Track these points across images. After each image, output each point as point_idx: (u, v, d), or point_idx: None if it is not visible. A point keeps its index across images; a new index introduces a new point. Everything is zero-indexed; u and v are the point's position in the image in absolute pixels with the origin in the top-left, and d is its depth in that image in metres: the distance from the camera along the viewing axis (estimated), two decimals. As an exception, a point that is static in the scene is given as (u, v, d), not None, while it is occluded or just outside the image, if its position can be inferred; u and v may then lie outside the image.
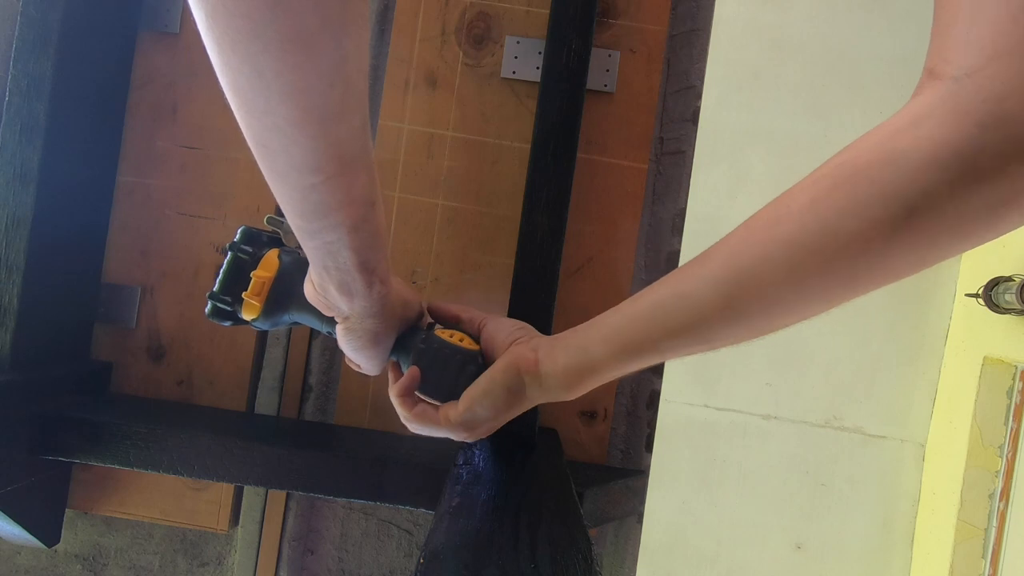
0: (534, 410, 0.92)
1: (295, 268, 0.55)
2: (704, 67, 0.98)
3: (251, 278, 0.54)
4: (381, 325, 0.50)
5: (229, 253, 0.56)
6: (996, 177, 0.29)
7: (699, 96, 1.04)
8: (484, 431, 0.52)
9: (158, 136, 1.05)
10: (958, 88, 0.29)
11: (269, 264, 0.55)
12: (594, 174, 1.05)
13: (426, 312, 0.59)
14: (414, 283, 1.05)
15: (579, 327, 0.48)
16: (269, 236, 0.58)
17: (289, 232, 0.58)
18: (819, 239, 0.33)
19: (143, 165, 1.05)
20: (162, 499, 1.06)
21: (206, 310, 0.55)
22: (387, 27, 1.07)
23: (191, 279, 1.05)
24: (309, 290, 0.48)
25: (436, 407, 0.53)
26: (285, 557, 1.09)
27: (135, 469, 0.90)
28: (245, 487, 1.08)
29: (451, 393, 0.52)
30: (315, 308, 0.51)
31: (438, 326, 0.57)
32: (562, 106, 0.93)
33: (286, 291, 0.54)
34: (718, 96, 0.96)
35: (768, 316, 0.37)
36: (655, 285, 0.42)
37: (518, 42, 1.04)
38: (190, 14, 1.10)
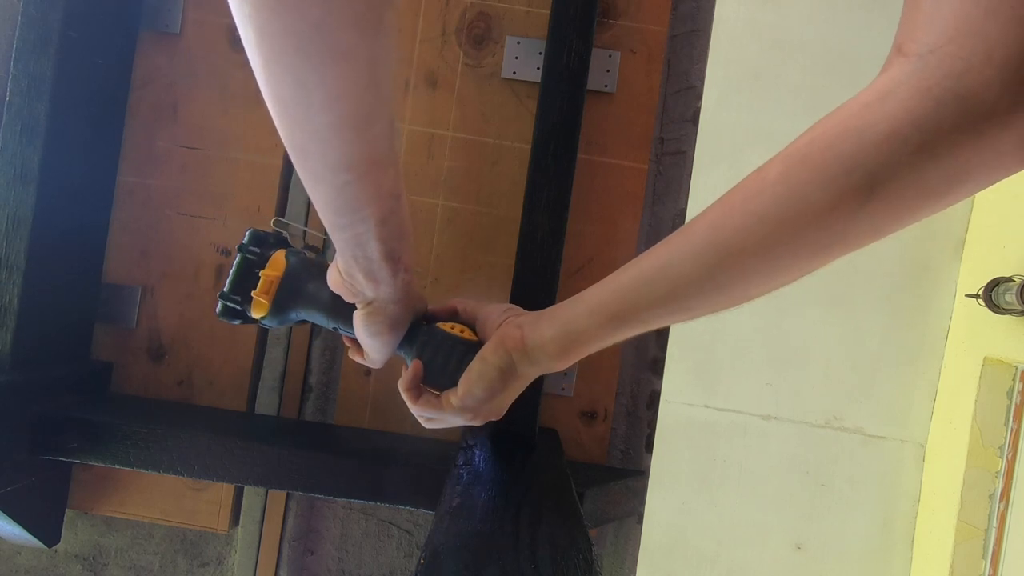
0: (534, 410, 0.92)
1: (301, 268, 0.56)
2: (704, 67, 0.98)
3: (259, 277, 0.57)
4: (402, 311, 0.52)
5: (238, 255, 0.58)
6: (953, 150, 0.31)
7: (699, 96, 1.04)
8: (488, 411, 0.54)
9: (158, 136, 1.05)
10: (922, 65, 0.31)
11: (277, 264, 0.57)
12: (594, 174, 1.05)
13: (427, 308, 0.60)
14: (414, 283, 1.05)
15: (565, 301, 0.50)
16: (276, 237, 0.60)
17: (295, 234, 0.60)
18: (791, 210, 0.35)
19: (143, 165, 1.05)
20: (162, 499, 1.06)
21: (216, 310, 0.57)
22: (387, 27, 1.07)
23: (191, 279, 1.05)
24: (334, 277, 0.50)
25: (439, 395, 0.55)
26: (285, 557, 1.09)
27: (135, 469, 0.90)
28: (245, 487, 1.08)
29: (454, 382, 0.54)
30: (321, 304, 0.53)
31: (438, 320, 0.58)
32: (562, 106, 0.93)
33: (294, 289, 0.56)
34: (718, 96, 0.96)
35: (745, 286, 0.40)
36: (639, 258, 0.44)
37: (518, 42, 1.04)
38: (190, 14, 1.10)
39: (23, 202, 0.89)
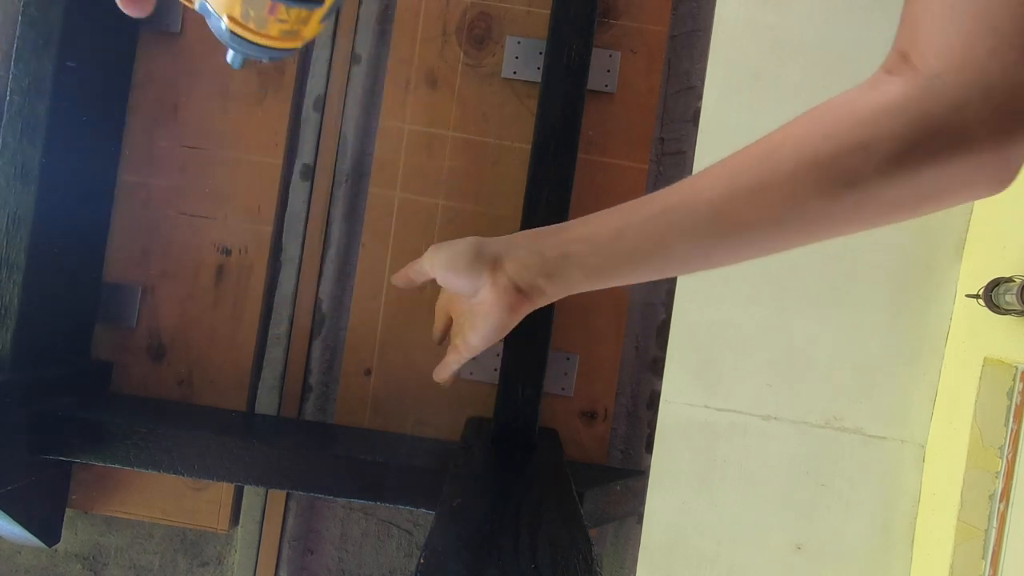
0: (534, 410, 0.92)
1: None
2: (705, 68, 0.98)
3: None
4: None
5: None
6: (937, 174, 0.35)
7: (700, 97, 1.04)
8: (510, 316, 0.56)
9: (159, 136, 1.05)
10: (930, 88, 0.34)
11: None
12: (595, 174, 1.05)
13: None
14: (414, 283, 1.05)
15: (554, 253, 0.50)
16: None
17: None
18: (792, 208, 0.39)
19: (144, 165, 1.05)
20: (162, 499, 1.06)
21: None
22: (388, 27, 1.07)
23: (191, 279, 1.05)
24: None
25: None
26: (285, 557, 1.09)
27: (135, 469, 0.90)
28: (245, 487, 1.08)
29: None
30: None
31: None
32: (563, 106, 0.93)
33: None
34: (719, 97, 0.96)
35: (727, 263, 0.44)
36: (630, 222, 0.46)
37: (519, 42, 1.04)
38: (191, 14, 1.10)
39: (23, 202, 0.89)
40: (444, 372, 0.62)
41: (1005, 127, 0.32)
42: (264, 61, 0.47)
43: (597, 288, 0.49)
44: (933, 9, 0.34)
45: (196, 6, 0.44)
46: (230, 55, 0.46)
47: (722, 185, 0.41)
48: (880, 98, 0.36)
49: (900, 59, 0.36)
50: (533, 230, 0.52)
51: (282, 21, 0.43)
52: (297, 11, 0.42)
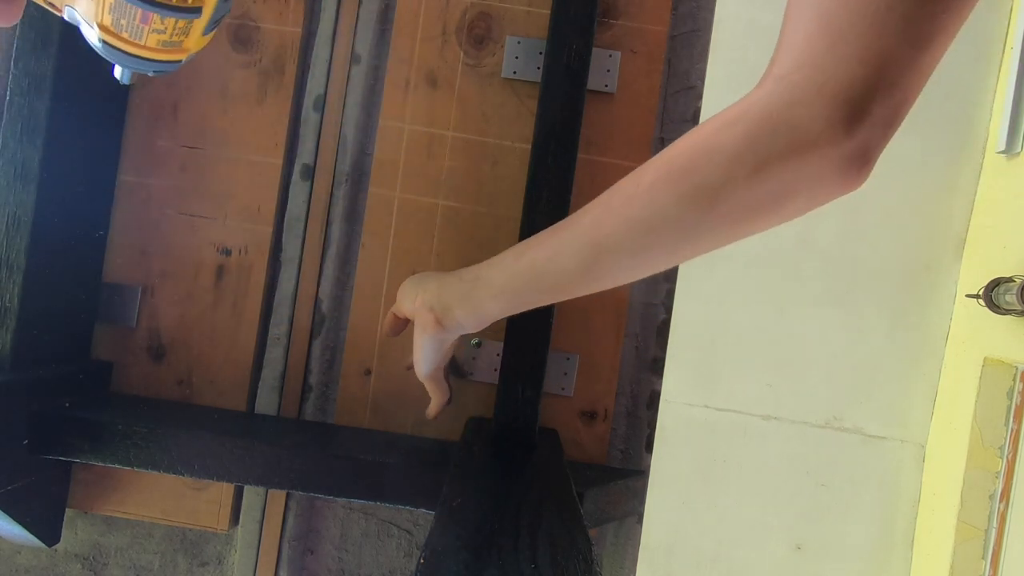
0: (534, 410, 0.92)
1: None
2: (705, 68, 0.98)
3: None
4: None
5: None
6: (780, 174, 0.35)
7: (700, 97, 1.04)
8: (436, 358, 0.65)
9: (159, 135, 1.05)
10: (772, 90, 0.35)
11: None
12: (595, 175, 1.05)
13: None
14: (414, 283, 1.05)
15: (468, 276, 0.55)
16: None
17: None
18: (655, 218, 0.40)
19: (144, 165, 1.05)
20: (162, 499, 1.06)
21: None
22: (387, 27, 1.07)
23: (191, 279, 1.05)
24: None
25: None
26: (285, 557, 1.09)
27: (135, 469, 0.90)
28: (245, 487, 1.08)
29: None
30: None
31: None
32: (563, 106, 0.93)
33: None
34: (718, 97, 0.96)
35: (615, 278, 0.46)
36: (532, 243, 0.50)
37: (519, 42, 1.04)
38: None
39: (23, 202, 0.89)
40: (430, 409, 0.73)
41: (840, 118, 0.32)
42: (150, 75, 0.45)
43: (509, 311, 0.52)
44: (790, 15, 0.34)
45: (65, 15, 0.42)
46: (117, 70, 0.45)
47: (600, 204, 0.44)
48: (735, 107, 0.37)
49: (766, 71, 0.36)
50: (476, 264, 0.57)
51: (159, 31, 0.41)
52: (173, 20, 0.40)
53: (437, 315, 0.56)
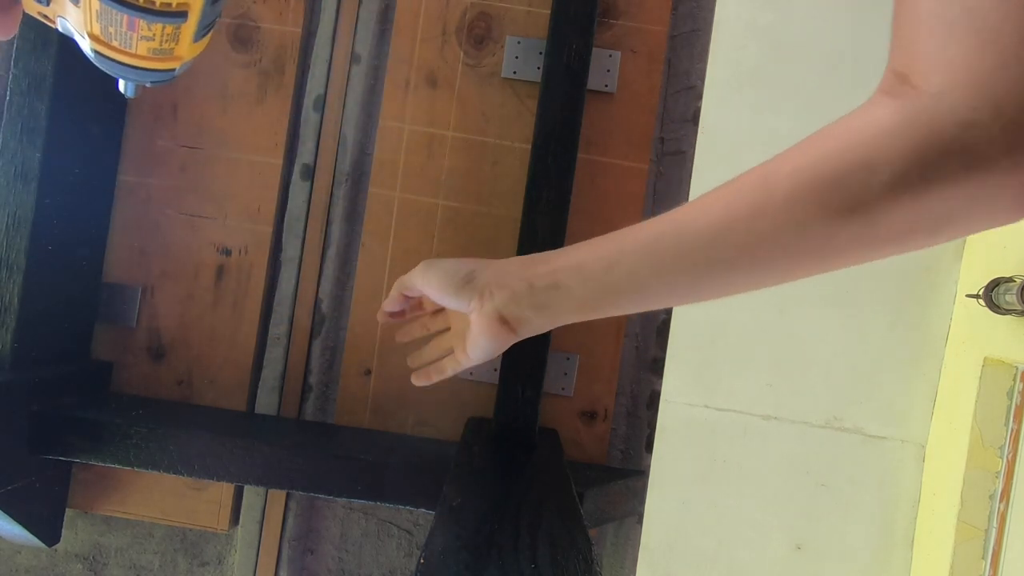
0: (534, 410, 0.92)
1: None
2: (705, 67, 0.98)
3: None
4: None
5: None
6: (950, 198, 0.33)
7: (700, 96, 1.04)
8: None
9: (159, 135, 1.05)
10: (934, 106, 0.32)
11: None
12: (595, 174, 1.04)
13: None
14: (414, 283, 1.06)
15: (543, 283, 0.49)
16: None
17: None
18: (794, 238, 0.37)
19: (144, 164, 1.05)
20: (162, 499, 1.06)
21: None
22: (388, 27, 1.07)
23: (191, 279, 1.05)
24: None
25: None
26: (285, 557, 1.09)
27: (135, 469, 0.90)
28: (245, 487, 1.08)
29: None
30: None
31: None
32: (563, 106, 0.93)
33: None
34: (719, 97, 0.96)
35: (727, 292, 0.43)
36: (624, 252, 0.45)
37: (519, 42, 1.04)
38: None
39: (23, 201, 0.89)
40: (434, 375, 0.62)
41: (1019, 145, 0.30)
42: (147, 85, 0.44)
43: (587, 319, 0.48)
44: (931, 26, 0.32)
45: (59, 27, 0.41)
46: (121, 83, 0.44)
47: (717, 212, 0.40)
48: (883, 118, 0.34)
49: (898, 80, 0.34)
50: (525, 257, 0.51)
51: (147, 39, 0.40)
52: (160, 26, 0.39)
53: (510, 322, 0.51)
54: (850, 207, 0.34)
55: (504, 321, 0.50)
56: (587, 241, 0.47)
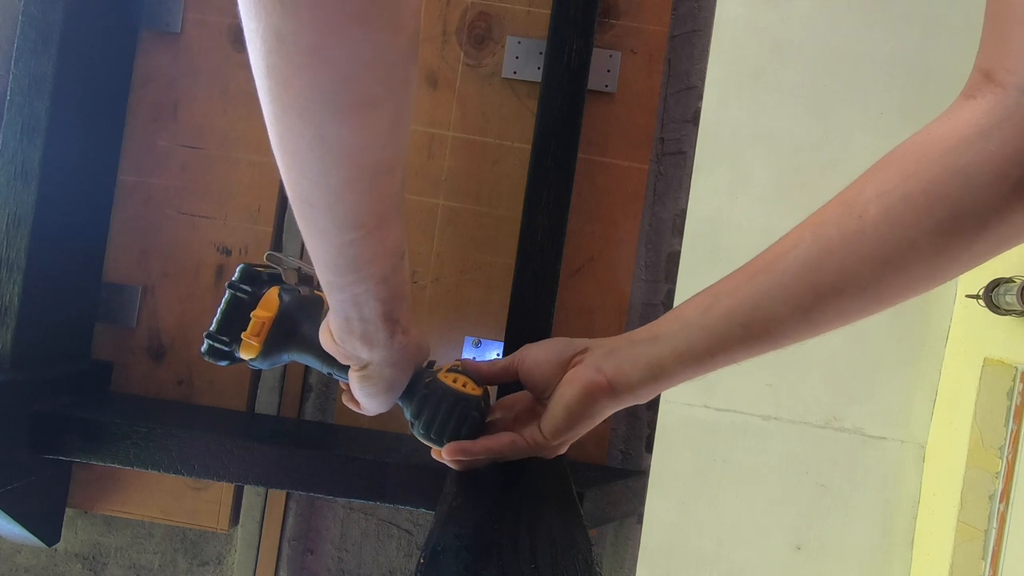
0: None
1: (295, 307, 0.54)
2: (705, 68, 0.98)
3: (251, 318, 0.52)
4: (399, 374, 0.50)
5: (228, 292, 0.54)
6: None
7: (700, 97, 1.04)
8: (564, 447, 0.54)
9: (159, 135, 1.05)
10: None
11: (269, 303, 0.53)
12: (595, 174, 1.04)
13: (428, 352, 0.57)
14: (415, 283, 1.05)
15: (642, 337, 0.47)
16: (269, 274, 0.56)
17: (289, 268, 0.57)
18: (895, 253, 0.35)
19: (144, 164, 1.05)
20: (162, 498, 1.06)
21: (202, 349, 0.53)
22: (388, 27, 1.07)
23: (191, 279, 1.05)
24: (326, 339, 0.47)
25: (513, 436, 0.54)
26: (285, 557, 1.09)
27: (135, 468, 0.90)
28: (245, 487, 1.08)
29: (454, 437, 0.52)
30: (315, 348, 0.50)
31: (439, 367, 0.56)
32: (563, 106, 0.93)
33: (286, 330, 0.53)
34: (719, 97, 0.96)
35: (841, 321, 0.40)
36: (717, 294, 0.43)
37: (519, 42, 1.04)
38: (191, 13, 1.10)
39: (23, 201, 0.89)
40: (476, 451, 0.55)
41: None
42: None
43: (695, 374, 0.45)
44: (1017, 17, 0.31)
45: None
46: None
47: (807, 243, 0.38)
48: (969, 121, 0.33)
49: (983, 78, 0.33)
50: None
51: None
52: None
53: (607, 375, 0.47)
54: (955, 220, 0.33)
55: (601, 372, 0.47)
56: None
